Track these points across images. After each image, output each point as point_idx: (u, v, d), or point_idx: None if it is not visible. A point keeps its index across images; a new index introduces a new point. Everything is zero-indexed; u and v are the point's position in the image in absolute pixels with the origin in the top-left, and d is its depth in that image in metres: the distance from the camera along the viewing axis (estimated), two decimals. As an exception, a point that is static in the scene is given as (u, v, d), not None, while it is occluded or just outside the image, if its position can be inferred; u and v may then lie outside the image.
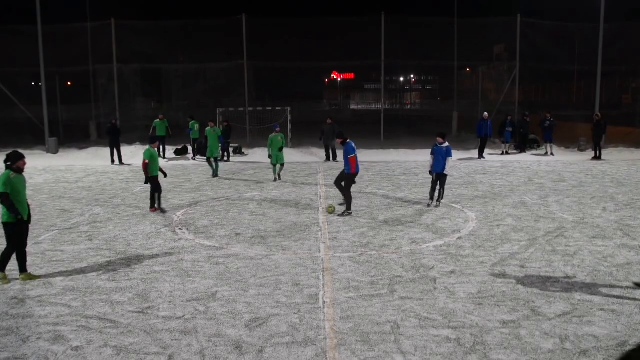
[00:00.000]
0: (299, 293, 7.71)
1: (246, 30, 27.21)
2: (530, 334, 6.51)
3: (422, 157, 22.25)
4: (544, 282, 8.23)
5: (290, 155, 24.16)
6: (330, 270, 8.69)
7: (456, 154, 23.66)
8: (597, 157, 23.44)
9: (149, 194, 13.44)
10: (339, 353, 5.98)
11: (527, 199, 14.47)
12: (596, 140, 23.61)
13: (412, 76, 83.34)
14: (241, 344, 6.20)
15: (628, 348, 6.20)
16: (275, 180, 17.57)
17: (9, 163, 8.26)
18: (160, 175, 13.46)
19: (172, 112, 33.66)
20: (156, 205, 13.26)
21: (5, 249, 8.35)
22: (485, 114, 24.08)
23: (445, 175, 13.28)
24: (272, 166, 17.84)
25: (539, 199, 14.43)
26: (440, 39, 32.96)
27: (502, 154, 24.62)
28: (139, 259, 9.42)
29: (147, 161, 13.00)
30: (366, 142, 25.14)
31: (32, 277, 8.42)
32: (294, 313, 7.04)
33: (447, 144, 13.17)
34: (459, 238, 10.62)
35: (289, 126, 26.85)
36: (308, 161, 22.79)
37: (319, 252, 9.71)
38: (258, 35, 29.05)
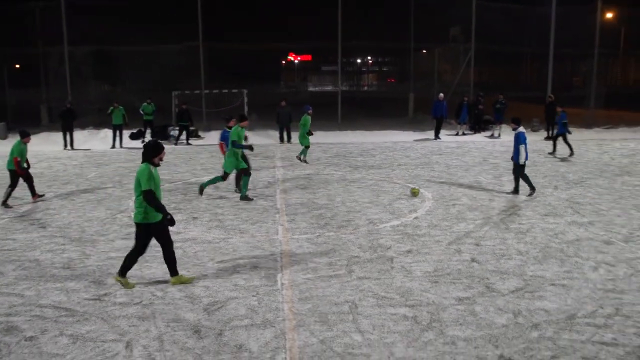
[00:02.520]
0: (257, 276, 7.73)
1: (201, 12, 26.79)
2: (484, 309, 6.68)
3: (379, 139, 22.46)
4: (498, 259, 8.45)
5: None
6: (288, 252, 8.73)
7: (412, 135, 24.00)
8: (549, 138, 23.98)
9: (102, 179, 13.20)
10: (297, 334, 6.03)
11: (482, 178, 14.75)
12: (549, 121, 24.14)
13: (369, 58, 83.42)
14: (200, 328, 6.20)
15: (576, 320, 6.43)
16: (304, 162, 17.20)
17: (149, 155, 7.22)
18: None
19: (127, 95, 32.98)
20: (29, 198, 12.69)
21: (132, 251, 7.48)
22: (441, 95, 24.36)
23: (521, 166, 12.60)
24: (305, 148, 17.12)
25: (493, 179, 14.74)
26: (396, 20, 33.11)
27: (457, 134, 24.98)
28: (94, 245, 9.29)
29: (19, 159, 12.04)
30: (323, 124, 25.16)
31: (185, 281, 7.58)
32: (253, 296, 7.06)
33: (521, 129, 12.45)
34: (416, 218, 10.78)
35: (246, 109, 26.63)
36: (265, 143, 22.70)
37: (277, 234, 9.74)
38: (214, 17, 28.67)
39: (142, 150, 7.38)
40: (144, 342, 5.90)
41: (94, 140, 23.77)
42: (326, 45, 31.55)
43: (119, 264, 8.24)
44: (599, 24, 29.31)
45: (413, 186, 13.18)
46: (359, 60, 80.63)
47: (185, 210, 11.54)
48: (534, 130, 26.78)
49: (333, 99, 30.01)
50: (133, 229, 10.04)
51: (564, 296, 7.14)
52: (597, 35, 28.91)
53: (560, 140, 19.23)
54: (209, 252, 8.80)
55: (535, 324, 6.32)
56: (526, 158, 12.53)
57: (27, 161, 12.50)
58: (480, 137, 24.47)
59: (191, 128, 24.06)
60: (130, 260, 7.43)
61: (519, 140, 12.39)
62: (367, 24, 33.76)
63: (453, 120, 26.03)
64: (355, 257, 8.48)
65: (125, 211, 11.53)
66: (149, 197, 7.03)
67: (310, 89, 74.36)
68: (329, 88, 71.01)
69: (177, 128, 23.65)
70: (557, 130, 19.98)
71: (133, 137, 24.27)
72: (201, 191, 12.64)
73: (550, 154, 19.59)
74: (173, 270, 7.52)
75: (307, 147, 17.05)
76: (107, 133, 23.19)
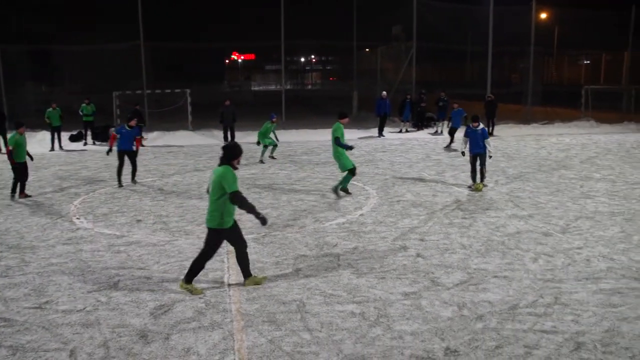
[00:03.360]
0: (203, 277, 7.65)
1: (142, 10, 26.28)
2: (430, 303, 6.81)
3: (324, 137, 22.50)
4: (442, 254, 8.62)
5: (191, 138, 23.79)
6: (235, 253, 8.66)
7: (356, 133, 24.18)
8: (489, 134, 24.60)
9: (41, 183, 12.81)
10: (246, 334, 6.01)
11: (425, 174, 15.02)
12: (488, 117, 24.78)
13: (312, 57, 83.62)
14: (146, 333, 6.10)
15: (518, 310, 6.63)
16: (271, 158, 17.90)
17: (229, 157, 6.98)
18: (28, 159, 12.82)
19: (65, 96, 32.00)
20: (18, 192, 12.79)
21: (201, 257, 7.19)
22: (384, 93, 24.65)
23: (485, 155, 13.12)
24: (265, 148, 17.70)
25: (437, 174, 15.02)
26: (340, 19, 33.29)
27: (401, 131, 25.32)
28: (34, 251, 8.99)
29: (10, 148, 12.35)
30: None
31: (258, 281, 7.45)
32: (200, 298, 6.99)
33: (481, 126, 13.12)
34: (361, 215, 10.89)
35: (189, 108, 26.29)
36: (209, 143, 22.47)
37: (223, 235, 9.65)
38: (155, 16, 28.16)
39: (221, 153, 7.07)
40: (89, 350, 5.76)
41: (32, 143, 22.94)
42: (270, 44, 31.46)
43: (60, 270, 8.03)
44: (534, 24, 30.26)
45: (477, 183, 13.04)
46: (302, 59, 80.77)
47: (128, 213, 11.32)
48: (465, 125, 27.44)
49: (277, 98, 29.97)
50: (75, 234, 9.88)
51: (506, 287, 7.35)
52: (533, 34, 29.84)
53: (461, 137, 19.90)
54: (153, 255, 8.65)
55: (479, 316, 6.49)
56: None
57: (27, 153, 12.78)
58: (423, 134, 24.89)
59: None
60: (197, 266, 7.16)
61: (485, 135, 12.99)
62: (310, 23, 33.85)
63: (396, 117, 26.37)
64: (302, 256, 8.51)
65: (66, 216, 11.21)
66: (238, 198, 6.79)
67: (254, 88, 74.01)
68: (273, 87, 70.84)
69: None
70: (451, 124, 21.01)
71: (73, 139, 23.59)
72: (339, 191, 12.47)
73: (446, 147, 20.45)
74: (246, 272, 7.41)
75: (265, 145, 17.58)
76: (45, 135, 22.46)
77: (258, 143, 17.60)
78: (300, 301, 6.86)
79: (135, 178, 14.25)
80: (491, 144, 13.30)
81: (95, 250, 8.99)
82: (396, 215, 10.90)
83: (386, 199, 12.21)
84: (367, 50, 46.16)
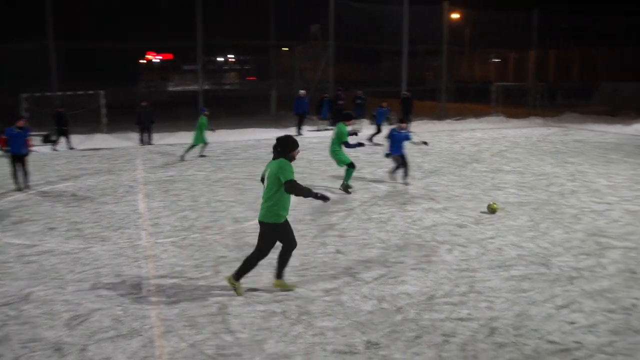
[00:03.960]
0: (121, 284, 7.46)
1: (52, 9, 25.17)
2: (351, 298, 6.93)
3: (243, 137, 22.43)
4: (362, 249, 8.78)
5: (106, 140, 23.07)
6: (153, 257, 8.51)
7: (275, 132, 24.09)
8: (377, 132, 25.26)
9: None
10: (166, 340, 5.91)
11: (343, 172, 15.17)
12: (404, 114, 25.33)
13: (230, 56, 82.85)
14: (61, 345, 5.87)
15: (435, 300, 6.85)
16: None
17: (286, 149, 6.83)
18: None
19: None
20: None
21: (255, 254, 7.02)
22: (302, 92, 24.77)
23: (404, 156, 13.59)
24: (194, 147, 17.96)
25: (355, 171, 15.20)
26: (258, 18, 33.10)
27: (319, 130, 25.50)
28: None
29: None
30: (186, 124, 24.61)
31: (287, 287, 7.23)
32: (117, 306, 6.80)
33: (407, 130, 13.67)
34: (281, 214, 10.90)
35: (104, 110, 25.43)
36: (125, 146, 21.87)
37: (140, 239, 9.45)
38: (66, 15, 27.03)
39: (276, 145, 6.90)
40: (-2, 365, 5.50)
41: None
42: (186, 44, 30.86)
43: (-36, 283, 7.62)
44: (447, 24, 31.25)
45: (492, 202, 11.22)
46: (220, 59, 79.88)
47: (39, 221, 10.85)
48: (390, 124, 27.98)
49: (195, 98, 29.47)
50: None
51: (424, 279, 7.57)
52: (445, 34, 30.79)
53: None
54: (67, 264, 8.34)
55: (398, 308, 6.66)
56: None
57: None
58: (341, 132, 25.15)
59: (45, 133, 22.59)
60: (250, 263, 6.99)
61: (408, 138, 13.52)
62: (228, 22, 33.48)
63: (315, 116, 26.55)
64: (222, 257, 8.44)
65: (-29, 226, 10.63)
66: (293, 186, 6.61)
67: (171, 88, 72.41)
68: (191, 87, 69.60)
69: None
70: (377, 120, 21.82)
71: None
72: (347, 189, 12.83)
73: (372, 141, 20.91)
74: (280, 273, 7.19)
75: (205, 144, 17.98)
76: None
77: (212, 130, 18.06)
78: (222, 303, 6.81)
79: (29, 183, 13.60)
80: (415, 139, 13.93)
81: (3, 261, 8.57)
82: (315, 212, 11.00)
83: (305, 198, 12.26)
84: (285, 49, 46.20)
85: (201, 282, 7.46)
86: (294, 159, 6.91)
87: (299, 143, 7.07)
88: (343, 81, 33.10)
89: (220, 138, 22.44)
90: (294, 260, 8.24)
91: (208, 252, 8.71)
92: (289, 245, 7.07)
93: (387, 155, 13.70)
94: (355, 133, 13.29)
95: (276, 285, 7.23)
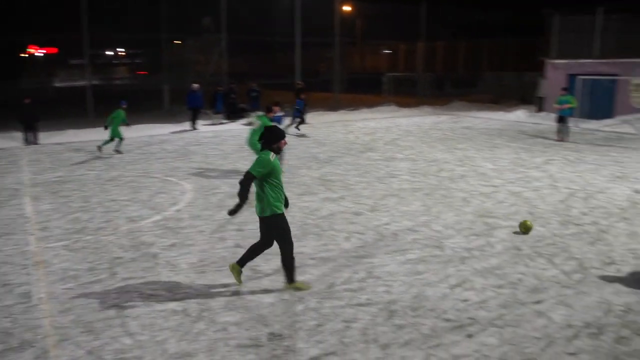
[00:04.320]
0: (8, 294, 7.03)
1: None
2: (251, 292, 6.93)
3: (135, 133, 21.68)
4: (261, 242, 8.77)
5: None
6: (44, 263, 8.09)
7: (169, 127, 23.60)
8: (301, 122, 25.41)
9: None
10: (62, 349, 5.65)
11: (240, 165, 15.11)
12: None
13: (120, 49, 79.84)
14: (-59, 362, 5.49)
15: (335, 288, 6.98)
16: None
17: (268, 142, 6.67)
18: None
19: None
20: None
21: (284, 250, 6.83)
22: (195, 85, 24.28)
23: None
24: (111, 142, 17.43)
25: (250, 164, 15.15)
26: (148, 10, 32.06)
27: (214, 124, 25.18)
28: None
29: None
30: (73, 121, 23.54)
31: (302, 287, 6.97)
32: (5, 317, 6.41)
33: (279, 113, 14.04)
34: (177, 210, 10.70)
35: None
36: (8, 146, 20.56)
37: (28, 245, 8.94)
38: None
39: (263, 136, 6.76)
40: None
41: None
42: (73, 37, 29.39)
43: None
44: (338, 16, 31.69)
45: (524, 220, 9.54)
46: (110, 52, 76.79)
47: None
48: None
49: (84, 94, 28.18)
50: None
51: (323, 267, 7.70)
52: (337, 26, 31.23)
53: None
54: (-54, 275, 7.77)
55: (299, 298, 6.73)
56: None
57: None
58: (236, 125, 24.94)
59: None
60: (289, 262, 6.85)
61: (279, 122, 13.80)
62: (116, 13, 32.22)
63: (209, 110, 26.17)
64: (117, 259, 8.16)
65: None
66: (245, 179, 6.61)
67: (58, 84, 68.77)
68: (79, 83, 66.41)
69: None
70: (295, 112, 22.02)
71: None
72: None
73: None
74: (290, 276, 6.98)
75: (121, 139, 17.47)
76: None
77: (106, 127, 17.40)
78: (119, 306, 6.59)
79: None
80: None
81: None
82: (213, 208, 10.87)
83: (202, 193, 12.11)
84: (177, 42, 45.16)
85: (96, 286, 7.18)
86: (281, 150, 6.85)
87: (284, 133, 6.96)
88: (237, 74, 32.84)
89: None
90: (192, 257, 8.14)
91: (103, 254, 8.39)
92: (281, 242, 6.92)
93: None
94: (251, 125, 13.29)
95: (288, 287, 7.01)
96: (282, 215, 6.83)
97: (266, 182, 6.71)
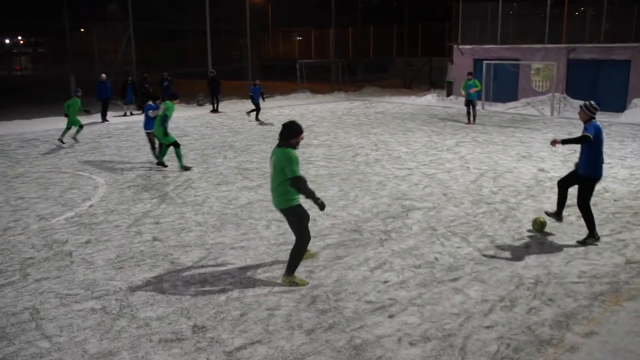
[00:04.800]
0: None
1: None
2: (172, 285, 6.82)
3: (41, 127, 20.76)
4: (179, 234, 8.65)
5: None
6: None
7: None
8: (215, 110, 25.15)
9: None
10: (-30, 357, 5.38)
11: (152, 157, 14.77)
12: (212, 94, 25.23)
13: (19, 38, 75.75)
14: None
15: (257, 277, 6.99)
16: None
17: (286, 138, 6.53)
18: None
19: None
20: None
21: (298, 242, 6.76)
22: (103, 75, 23.43)
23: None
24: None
25: (166, 155, 14.86)
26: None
27: (125, 115, 24.46)
28: None
29: None
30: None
31: (300, 283, 6.83)
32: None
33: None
34: (91, 206, 10.34)
35: None
36: None
37: None
38: None
39: (280, 131, 6.62)
40: None
41: None
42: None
43: None
44: (249, 2, 31.38)
45: (536, 216, 9.03)
46: (7, 41, 72.65)
47: None
48: (199, 105, 27.71)
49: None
50: None
51: (244, 257, 7.68)
52: (248, 12, 30.93)
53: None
54: None
55: (222, 289, 6.69)
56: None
57: None
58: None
59: None
60: (299, 254, 6.76)
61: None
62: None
63: (119, 100, 25.36)
64: (29, 259, 7.81)
65: None
66: (299, 183, 6.41)
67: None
68: (-29, 74, 62.53)
69: None
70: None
71: None
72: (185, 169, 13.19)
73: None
74: (291, 269, 6.83)
75: (80, 127, 17.39)
76: None
77: (66, 115, 17.14)
78: (33, 308, 6.32)
79: None
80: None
81: None
82: (128, 201, 10.59)
83: (116, 186, 11.77)
84: (82, 30, 43.39)
85: (7, 289, 6.85)
86: (298, 144, 6.70)
87: (301, 129, 6.77)
88: (147, 63, 31.97)
89: (14, 129, 20.60)
90: (109, 253, 7.92)
91: (12, 255, 8.00)
92: (302, 242, 6.78)
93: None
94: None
95: (284, 281, 6.83)
96: (300, 205, 6.74)
97: (285, 176, 6.53)
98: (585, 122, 8.02)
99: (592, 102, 8.15)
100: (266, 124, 20.95)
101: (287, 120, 6.83)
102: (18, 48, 79.18)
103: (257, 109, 22.32)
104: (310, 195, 6.50)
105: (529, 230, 8.69)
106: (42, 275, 7.21)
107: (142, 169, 13.40)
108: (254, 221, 9.23)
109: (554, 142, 8.03)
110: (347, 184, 11.64)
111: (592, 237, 8.12)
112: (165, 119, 12.83)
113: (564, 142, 7.99)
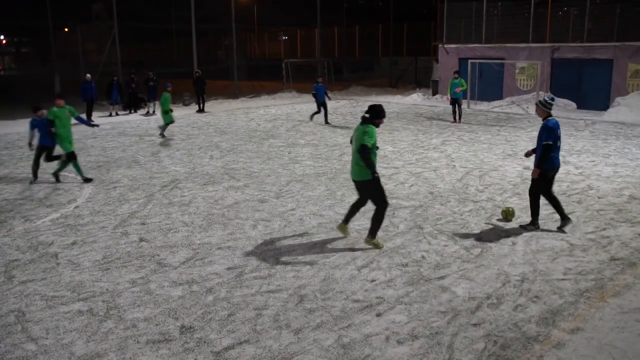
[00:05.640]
0: None
1: None
2: (159, 286, 6.79)
3: (25, 128, 20.52)
4: (166, 234, 8.62)
5: None
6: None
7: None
8: (200, 110, 25.05)
9: None
10: (-45, 359, 5.33)
11: (140, 157, 14.72)
12: (198, 94, 25.14)
13: (2, 37, 74.99)
14: None
15: (245, 276, 6.98)
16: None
17: (374, 116, 7.60)
18: None
19: None
20: None
21: (378, 208, 7.80)
22: (88, 75, 23.26)
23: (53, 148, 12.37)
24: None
25: (151, 156, 14.83)
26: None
27: (111, 115, 24.31)
28: None
29: None
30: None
31: (378, 245, 7.98)
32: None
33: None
34: (76, 207, 10.27)
35: None
36: None
37: None
38: None
39: (365, 112, 7.65)
40: None
41: None
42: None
43: None
44: (234, 2, 31.31)
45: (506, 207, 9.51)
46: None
47: None
48: (185, 105, 27.60)
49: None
50: None
51: (231, 257, 7.67)
52: (233, 12, 30.85)
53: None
54: None
55: (209, 289, 6.68)
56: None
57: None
58: (135, 116, 24.21)
59: None
60: (379, 218, 7.79)
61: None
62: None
63: (104, 101, 25.21)
64: (14, 261, 7.74)
65: None
66: (365, 151, 7.30)
67: None
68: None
69: None
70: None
71: None
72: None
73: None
74: (373, 232, 7.89)
75: (171, 122, 17.58)
76: None
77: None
78: (19, 310, 6.27)
79: None
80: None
81: None
82: (114, 202, 10.53)
83: (102, 187, 11.70)
84: (66, 30, 43.07)
85: (-9, 290, 6.80)
86: (379, 126, 7.68)
87: (385, 114, 7.80)
88: (132, 63, 31.83)
89: (-2, 130, 20.39)
90: (95, 254, 7.88)
91: (-4, 256, 7.94)
92: (377, 202, 7.77)
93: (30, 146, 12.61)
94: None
95: (368, 242, 7.97)
96: (378, 177, 7.55)
97: None
98: (543, 119, 8.30)
99: (547, 98, 8.53)
100: (334, 126, 20.22)
101: (375, 104, 7.81)
102: (0, 48, 78.36)
103: (325, 110, 20.51)
104: (370, 165, 7.39)
105: (515, 228, 8.75)
106: (28, 277, 7.16)
107: (129, 169, 13.32)
108: (241, 221, 9.22)
109: (533, 173, 8.41)
110: (333, 183, 11.65)
111: (532, 225, 8.67)
112: (52, 124, 11.90)
113: (538, 165, 8.29)
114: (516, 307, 6.17)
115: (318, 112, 20.57)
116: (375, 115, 7.60)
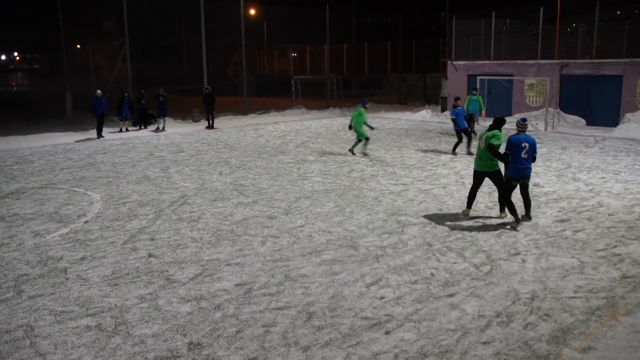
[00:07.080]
0: None
1: None
2: (168, 302, 6.79)
3: (37, 143, 20.74)
4: (174, 250, 8.63)
5: None
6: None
7: (73, 136, 22.70)
8: (210, 127, 25.17)
9: None
10: (-37, 374, 5.33)
11: (150, 172, 14.78)
12: (208, 111, 25.27)
13: (15, 54, 75.79)
14: None
15: (253, 293, 6.97)
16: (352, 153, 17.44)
17: (499, 125, 9.78)
18: None
19: None
20: None
21: (502, 192, 9.92)
22: (99, 91, 23.45)
23: None
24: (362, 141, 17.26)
25: (161, 172, 14.88)
26: (44, 12, 30.67)
27: (121, 130, 24.47)
28: None
29: None
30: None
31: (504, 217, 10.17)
32: None
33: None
34: (86, 222, 10.31)
35: None
36: None
37: None
38: None
39: (494, 120, 9.84)
40: None
41: None
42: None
43: None
44: (244, 19, 31.55)
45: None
46: (3, 57, 72.70)
47: None
48: (195, 121, 27.73)
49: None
50: None
51: (240, 273, 7.66)
52: (243, 29, 31.09)
53: None
54: None
55: (217, 305, 6.67)
56: None
57: None
58: (145, 132, 24.35)
59: None
60: (508, 199, 9.78)
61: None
62: (10, 15, 30.64)
63: (115, 116, 25.37)
64: (23, 276, 7.77)
65: None
66: (494, 150, 9.55)
67: None
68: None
69: None
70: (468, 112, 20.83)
71: None
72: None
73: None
74: (502, 208, 10.20)
75: (366, 138, 17.13)
76: None
77: (350, 128, 17.45)
78: (28, 325, 6.28)
79: None
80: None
81: None
82: (123, 217, 10.57)
83: (111, 202, 11.74)
84: (78, 46, 43.48)
85: (1, 306, 6.80)
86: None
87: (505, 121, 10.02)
88: (142, 79, 32.02)
89: (10, 145, 20.56)
90: (104, 269, 7.89)
91: (6, 271, 7.95)
92: (501, 186, 9.95)
93: None
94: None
95: (502, 216, 10.17)
96: (498, 171, 9.86)
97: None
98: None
99: (520, 120, 9.89)
100: (260, 140, 20.85)
101: (498, 116, 9.90)
102: (14, 64, 79.13)
103: (468, 137, 17.30)
104: (501, 158, 9.57)
105: (524, 245, 8.70)
106: (37, 292, 7.18)
107: (138, 185, 13.38)
108: (250, 237, 9.21)
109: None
110: (342, 199, 11.64)
111: (517, 221, 9.85)
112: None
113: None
114: (526, 325, 6.11)
115: (459, 143, 17.37)
116: (501, 124, 9.78)
